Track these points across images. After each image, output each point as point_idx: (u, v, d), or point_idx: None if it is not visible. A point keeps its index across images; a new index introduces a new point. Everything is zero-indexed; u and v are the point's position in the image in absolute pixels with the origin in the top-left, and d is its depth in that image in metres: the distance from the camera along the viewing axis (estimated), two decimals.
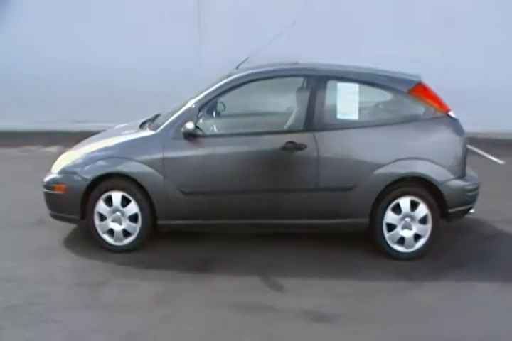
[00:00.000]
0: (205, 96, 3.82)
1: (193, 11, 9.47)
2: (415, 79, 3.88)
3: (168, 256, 3.88)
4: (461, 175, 3.80)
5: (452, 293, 3.38)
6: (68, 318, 3.01)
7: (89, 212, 3.84)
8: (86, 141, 4.35)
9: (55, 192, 3.89)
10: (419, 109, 3.81)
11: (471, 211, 4.03)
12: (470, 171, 4.03)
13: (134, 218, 3.84)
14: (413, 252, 3.80)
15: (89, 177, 3.79)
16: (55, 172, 3.96)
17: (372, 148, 3.73)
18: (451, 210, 3.78)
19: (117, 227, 3.85)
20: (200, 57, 9.37)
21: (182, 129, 3.67)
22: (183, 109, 3.81)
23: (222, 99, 3.89)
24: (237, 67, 4.23)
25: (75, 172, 3.84)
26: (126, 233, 3.87)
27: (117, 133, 4.11)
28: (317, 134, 3.70)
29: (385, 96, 3.88)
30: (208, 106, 3.85)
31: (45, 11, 9.07)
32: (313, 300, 3.25)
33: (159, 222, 3.85)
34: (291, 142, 3.68)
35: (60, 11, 9.08)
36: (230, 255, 3.90)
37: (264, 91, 4.02)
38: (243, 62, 4.18)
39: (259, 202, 3.78)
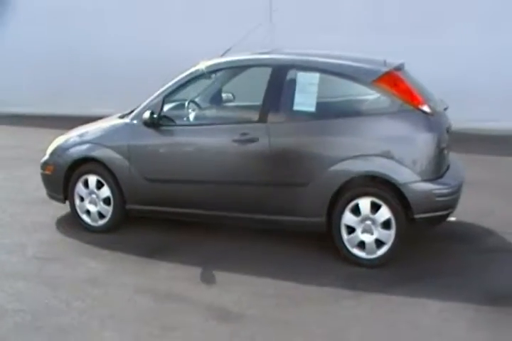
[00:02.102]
0: (170, 86, 3.85)
1: (264, 6, 9.55)
2: (382, 69, 3.44)
3: (133, 239, 4.01)
4: (432, 178, 3.31)
5: (390, 309, 2.99)
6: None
7: (70, 192, 4.16)
8: (81, 126, 4.58)
9: (46, 172, 4.27)
10: (384, 101, 3.39)
11: (451, 218, 3.51)
12: (456, 173, 3.53)
13: (107, 201, 4.06)
14: (375, 259, 3.44)
15: (70, 160, 4.09)
16: (47, 154, 4.34)
17: (328, 143, 3.43)
18: (417, 216, 3.32)
19: (93, 209, 4.11)
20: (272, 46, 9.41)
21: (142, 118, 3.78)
22: (150, 98, 3.90)
23: (188, 88, 3.87)
24: (221, 55, 4.17)
25: (59, 155, 4.18)
26: (100, 214, 4.12)
27: (103, 121, 4.36)
28: (270, 126, 3.50)
29: (348, 86, 3.51)
30: (173, 95, 3.86)
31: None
32: (232, 296, 3.14)
33: (127, 207, 4.01)
34: (244, 134, 3.54)
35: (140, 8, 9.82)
36: (187, 244, 3.91)
37: (228, 81, 3.92)
38: (227, 51, 4.11)
39: (213, 193, 3.73)
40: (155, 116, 3.75)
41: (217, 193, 3.72)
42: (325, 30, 8.76)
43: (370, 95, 3.46)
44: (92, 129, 4.16)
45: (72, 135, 4.24)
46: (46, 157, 4.30)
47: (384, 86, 3.36)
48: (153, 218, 4.16)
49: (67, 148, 4.14)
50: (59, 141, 4.30)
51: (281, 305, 3.05)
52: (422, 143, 3.31)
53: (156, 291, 3.23)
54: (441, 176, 3.38)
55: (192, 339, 2.73)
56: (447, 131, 3.51)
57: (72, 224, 4.29)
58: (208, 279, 3.39)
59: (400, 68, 3.60)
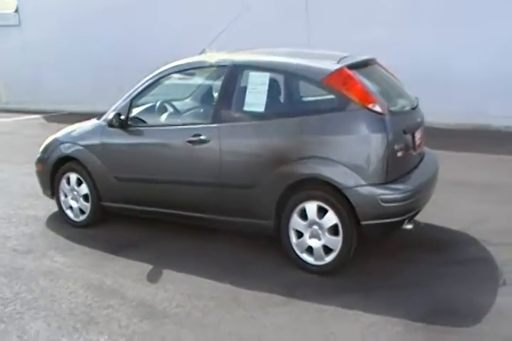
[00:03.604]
0: (137, 88, 3.95)
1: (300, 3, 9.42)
2: (332, 67, 3.26)
3: (108, 234, 4.16)
4: (380, 182, 3.10)
5: (317, 319, 2.84)
6: None
7: (56, 189, 4.42)
8: (69, 126, 4.75)
9: (38, 169, 4.56)
10: (332, 100, 3.22)
11: (407, 226, 3.24)
12: (420, 176, 3.31)
13: (86, 198, 4.26)
14: (323, 265, 3.30)
15: (54, 158, 4.34)
16: (39, 152, 4.61)
17: (274, 144, 3.32)
18: (363, 222, 3.13)
19: (75, 204, 4.33)
20: (310, 44, 9.28)
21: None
22: (120, 100, 4.02)
23: (154, 90, 3.92)
24: (200, 53, 4.17)
25: (47, 154, 4.44)
26: (81, 210, 4.32)
27: (86, 121, 4.50)
28: (221, 127, 3.47)
29: (298, 86, 3.39)
30: (140, 97, 3.93)
31: None
32: (167, 295, 3.16)
33: (103, 204, 4.18)
34: (197, 135, 3.54)
35: None
36: (155, 241, 4.00)
37: (190, 83, 3.92)
38: (203, 51, 4.12)
39: (171, 192, 3.78)
40: (122, 117, 3.87)
41: (175, 193, 3.76)
42: (361, 25, 8.52)
43: (319, 94, 3.31)
44: (74, 129, 4.37)
45: (59, 134, 4.48)
46: (38, 155, 4.59)
47: (333, 84, 3.20)
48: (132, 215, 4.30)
49: (54, 147, 4.39)
50: (48, 140, 4.57)
51: (209, 308, 3.03)
52: (370, 145, 3.08)
53: (101, 286, 3.34)
54: (393, 180, 3.15)
55: (107, 334, 2.80)
56: (405, 132, 3.26)
57: (60, 218, 4.54)
58: (152, 277, 3.44)
59: (356, 65, 3.41)
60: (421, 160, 3.66)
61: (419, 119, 3.55)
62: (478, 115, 7.82)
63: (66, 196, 4.36)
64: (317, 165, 3.18)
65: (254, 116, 3.40)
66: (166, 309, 3.04)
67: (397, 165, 3.19)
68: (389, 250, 3.71)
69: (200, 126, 3.60)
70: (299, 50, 3.95)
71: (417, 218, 4.19)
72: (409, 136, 3.34)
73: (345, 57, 3.50)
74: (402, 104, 3.54)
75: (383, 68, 3.82)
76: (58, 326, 2.90)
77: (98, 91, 11.46)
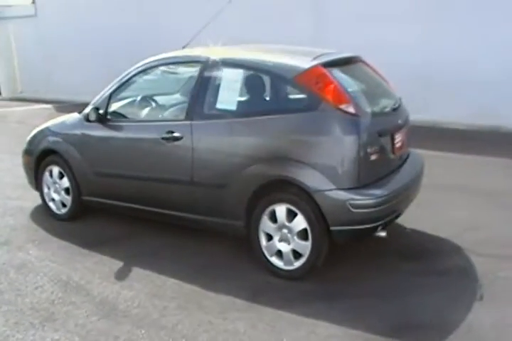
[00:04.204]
0: (116, 82, 3.91)
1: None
2: (304, 65, 3.14)
3: (88, 229, 4.16)
4: (350, 186, 2.97)
5: (273, 327, 2.76)
6: None
7: (39, 181, 4.42)
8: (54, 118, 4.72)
9: (24, 161, 4.57)
10: (304, 99, 3.10)
11: (381, 234, 3.12)
12: (398, 180, 3.20)
13: (67, 191, 4.26)
14: (293, 271, 3.21)
15: (37, 151, 4.34)
16: (25, 144, 4.60)
17: (242, 144, 3.24)
18: (333, 228, 3.02)
19: (57, 197, 4.34)
20: (319, 42, 9.11)
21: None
22: (99, 94, 3.97)
23: (133, 85, 3.88)
24: (183, 48, 4.12)
25: (32, 146, 4.44)
26: (63, 203, 4.33)
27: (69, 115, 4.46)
28: (194, 124, 3.39)
29: (270, 84, 3.28)
30: (119, 92, 3.89)
31: None
32: (130, 294, 3.12)
33: (82, 198, 4.17)
34: (170, 131, 3.48)
35: None
36: (133, 237, 3.97)
37: (169, 78, 3.84)
38: (186, 45, 4.04)
39: (145, 189, 3.73)
40: (101, 111, 3.84)
41: (149, 190, 3.71)
42: (373, 21, 8.31)
43: (291, 93, 3.21)
44: (57, 122, 4.35)
45: (43, 127, 4.47)
46: (24, 147, 4.60)
47: (305, 83, 3.08)
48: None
49: (38, 140, 4.39)
50: (33, 132, 4.56)
51: (168, 309, 2.98)
52: (340, 147, 2.96)
53: (68, 282, 3.32)
54: (366, 185, 3.03)
55: (62, 332, 2.77)
56: (380, 134, 3.12)
57: (45, 211, 4.53)
58: (120, 274, 3.40)
59: (335, 63, 3.29)
60: (403, 163, 3.54)
61: (400, 121, 3.41)
62: (491, 117, 7.60)
63: (49, 188, 4.37)
64: (286, 167, 3.08)
65: (226, 113, 3.31)
66: (127, 308, 3.00)
67: (371, 169, 3.06)
68: (366, 257, 3.61)
69: (174, 122, 3.54)
70: (284, 46, 3.84)
71: (405, 223, 4.10)
72: (386, 139, 3.21)
73: (324, 54, 3.37)
74: (383, 104, 3.41)
75: (369, 67, 3.69)
76: (16, 321, 2.89)
77: (109, 82, 11.55)
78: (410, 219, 4.15)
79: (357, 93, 3.22)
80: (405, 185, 3.31)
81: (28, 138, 4.57)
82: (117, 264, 3.55)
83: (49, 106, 12.04)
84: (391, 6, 8.27)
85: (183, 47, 4.03)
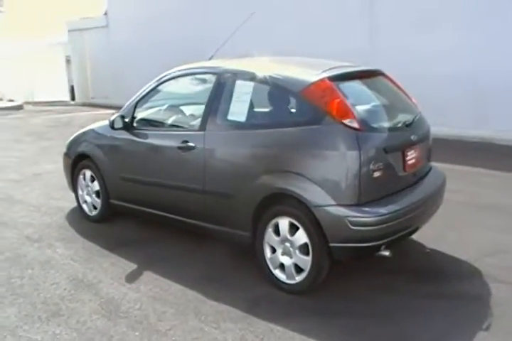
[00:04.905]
0: (142, 92, 4.09)
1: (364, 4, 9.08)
2: (311, 78, 3.11)
3: (114, 231, 4.34)
4: (352, 203, 2.91)
5: (253, 339, 2.75)
6: None
7: (75, 184, 4.71)
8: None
9: (64, 164, 4.87)
10: (309, 113, 3.07)
11: (384, 253, 2.99)
12: (409, 198, 3.11)
13: (98, 194, 4.49)
14: (294, 285, 3.19)
15: (73, 155, 4.62)
16: (65, 147, 4.88)
17: (250, 156, 3.28)
18: (332, 244, 2.96)
19: (89, 200, 4.59)
20: (373, 48, 8.94)
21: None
22: (127, 103, 4.15)
23: (157, 95, 4.03)
24: (209, 59, 4.24)
25: (70, 150, 4.73)
26: (94, 206, 4.57)
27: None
28: (206, 135, 3.47)
29: (279, 97, 3.27)
30: (144, 101, 4.05)
31: None
32: (135, 296, 3.22)
33: (111, 202, 4.37)
34: (185, 141, 3.58)
35: None
36: (153, 241, 4.10)
37: (189, 88, 3.93)
38: (212, 56, 4.15)
39: (164, 196, 3.85)
40: (126, 119, 4.02)
41: (166, 196, 3.83)
42: (430, 27, 8.03)
43: (297, 106, 3.18)
44: (93, 128, 4.59)
45: (81, 132, 4.73)
46: (64, 150, 4.91)
47: (310, 97, 3.06)
48: None
49: (76, 144, 4.67)
50: (72, 137, 4.84)
51: (166, 314, 3.05)
52: (341, 163, 2.90)
53: (82, 280, 3.50)
54: (368, 202, 2.95)
55: (63, 327, 2.92)
56: (386, 151, 3.01)
57: (80, 212, 4.82)
58: (131, 277, 3.54)
59: (347, 77, 3.25)
60: (419, 180, 3.41)
61: (413, 137, 3.27)
62: None
63: (82, 191, 4.63)
64: (289, 180, 3.07)
65: (236, 125, 3.37)
66: (128, 310, 3.12)
67: (374, 186, 2.98)
68: (376, 275, 3.50)
69: (189, 132, 3.65)
70: (305, 59, 3.84)
71: (427, 242, 3.93)
72: (395, 155, 3.10)
73: (338, 67, 3.35)
74: (396, 119, 3.31)
75: (390, 80, 3.59)
76: (27, 314, 3.09)
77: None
78: (434, 238, 3.99)
79: (366, 108, 3.15)
80: (418, 201, 3.19)
81: (68, 142, 4.89)
82: (131, 267, 3.70)
83: (113, 111, 12.71)
84: (444, 14, 7.98)
85: (209, 59, 4.15)
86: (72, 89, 17.38)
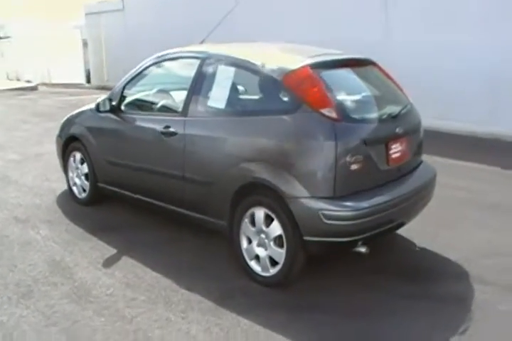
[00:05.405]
0: (129, 75, 4.01)
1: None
2: (291, 66, 2.98)
3: (99, 215, 4.31)
4: (326, 195, 2.78)
5: (225, 334, 2.68)
6: None
7: (65, 166, 4.68)
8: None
9: (56, 146, 4.85)
10: (286, 101, 2.94)
11: (361, 249, 2.88)
12: (387, 193, 2.96)
13: (87, 177, 4.45)
14: (269, 277, 3.10)
15: (64, 137, 4.59)
16: (58, 130, 4.86)
17: (228, 143, 3.18)
18: (306, 238, 2.85)
19: (78, 182, 4.56)
20: (387, 44, 8.69)
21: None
22: (115, 87, 4.07)
23: (144, 78, 3.94)
24: (200, 43, 4.11)
25: (62, 132, 4.70)
26: (83, 189, 4.54)
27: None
28: (187, 120, 3.38)
29: (259, 84, 3.14)
30: (131, 84, 3.98)
31: None
32: (108, 282, 3.19)
33: (98, 185, 4.34)
34: (168, 126, 3.50)
35: None
36: (137, 227, 4.06)
37: (176, 72, 3.82)
38: (204, 39, 4.04)
39: (147, 181, 3.78)
40: (114, 103, 3.96)
41: (148, 181, 3.77)
42: (447, 22, 7.76)
43: (277, 94, 3.02)
44: (84, 110, 4.54)
45: (72, 114, 4.68)
46: (57, 132, 4.88)
47: (289, 84, 2.94)
48: None
49: (68, 126, 4.64)
50: (64, 119, 4.79)
51: (136, 301, 3.01)
52: (316, 154, 2.78)
53: (59, 263, 3.48)
54: (344, 196, 2.83)
55: (31, 310, 2.90)
56: (366, 143, 2.87)
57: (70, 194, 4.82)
58: (108, 262, 3.50)
59: (328, 65, 3.10)
60: (406, 174, 3.28)
61: (399, 129, 3.11)
62: None
63: (73, 173, 4.61)
64: (264, 170, 2.96)
65: (217, 112, 3.27)
66: (98, 295, 3.08)
67: (351, 180, 2.85)
68: (358, 271, 3.37)
69: (172, 118, 3.56)
70: (295, 45, 3.70)
71: (419, 240, 3.79)
72: (377, 147, 2.96)
73: (324, 54, 3.21)
74: (382, 111, 3.16)
75: (380, 70, 3.43)
76: None
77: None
78: (427, 236, 3.85)
79: (349, 97, 3.02)
80: (400, 196, 3.04)
81: (60, 124, 4.86)
82: (111, 251, 3.66)
83: None
84: (462, 9, 7.67)
85: (201, 42, 4.04)
86: (88, 72, 17.43)
